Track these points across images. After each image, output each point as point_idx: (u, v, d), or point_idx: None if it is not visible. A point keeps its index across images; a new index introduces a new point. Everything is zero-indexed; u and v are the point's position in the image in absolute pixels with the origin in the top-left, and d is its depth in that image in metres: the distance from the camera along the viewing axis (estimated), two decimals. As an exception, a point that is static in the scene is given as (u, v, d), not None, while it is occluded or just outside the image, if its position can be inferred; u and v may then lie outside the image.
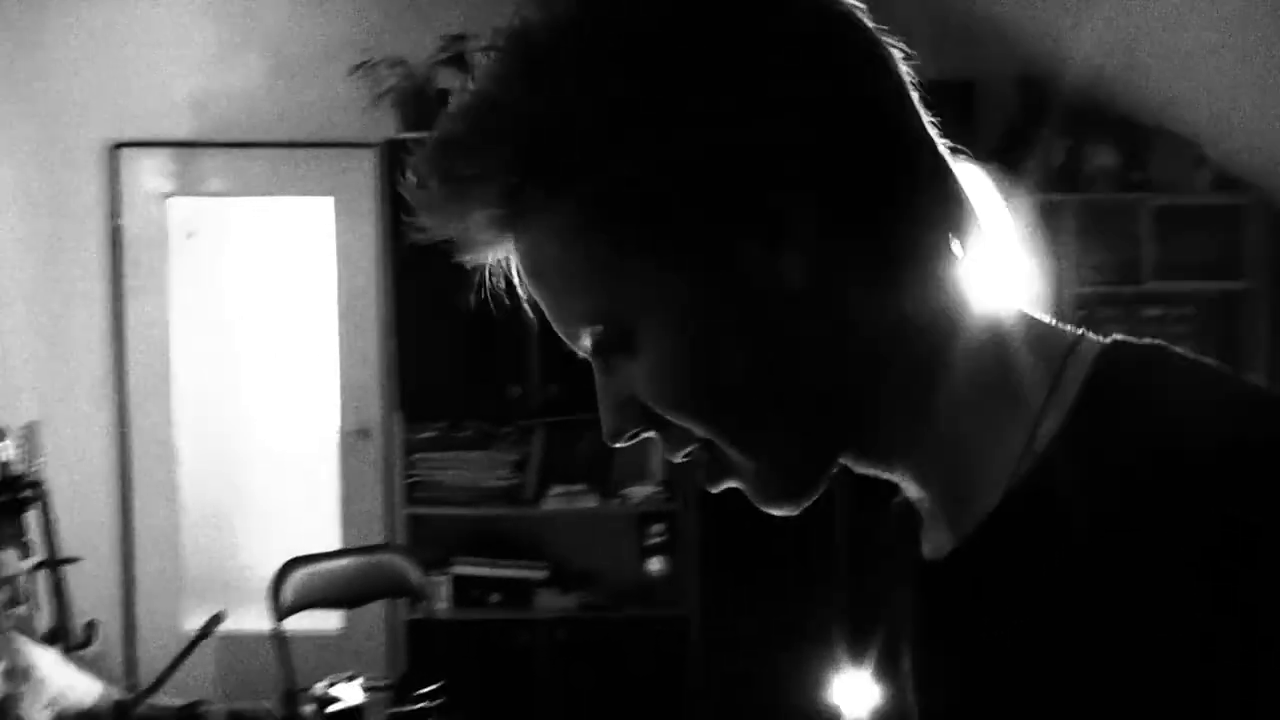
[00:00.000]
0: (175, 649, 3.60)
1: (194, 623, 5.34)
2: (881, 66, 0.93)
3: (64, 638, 4.52)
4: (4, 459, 3.53)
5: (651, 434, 0.97)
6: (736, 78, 0.88)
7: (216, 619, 3.37)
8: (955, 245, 0.94)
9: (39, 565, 3.71)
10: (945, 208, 0.94)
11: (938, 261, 0.93)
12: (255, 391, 6.00)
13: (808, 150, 0.88)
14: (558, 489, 5.43)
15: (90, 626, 4.64)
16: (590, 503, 5.43)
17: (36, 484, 3.45)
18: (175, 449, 5.76)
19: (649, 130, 0.88)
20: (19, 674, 3.82)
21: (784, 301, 0.90)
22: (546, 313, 0.96)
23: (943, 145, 0.95)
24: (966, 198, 0.95)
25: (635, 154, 0.88)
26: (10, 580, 3.68)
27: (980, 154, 1.19)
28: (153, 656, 5.48)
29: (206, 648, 5.38)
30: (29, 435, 4.50)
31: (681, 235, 0.89)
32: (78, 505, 5.30)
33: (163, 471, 5.74)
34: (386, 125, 5.22)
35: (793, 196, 0.88)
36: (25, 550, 3.49)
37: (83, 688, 4.08)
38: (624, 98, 0.88)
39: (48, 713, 3.85)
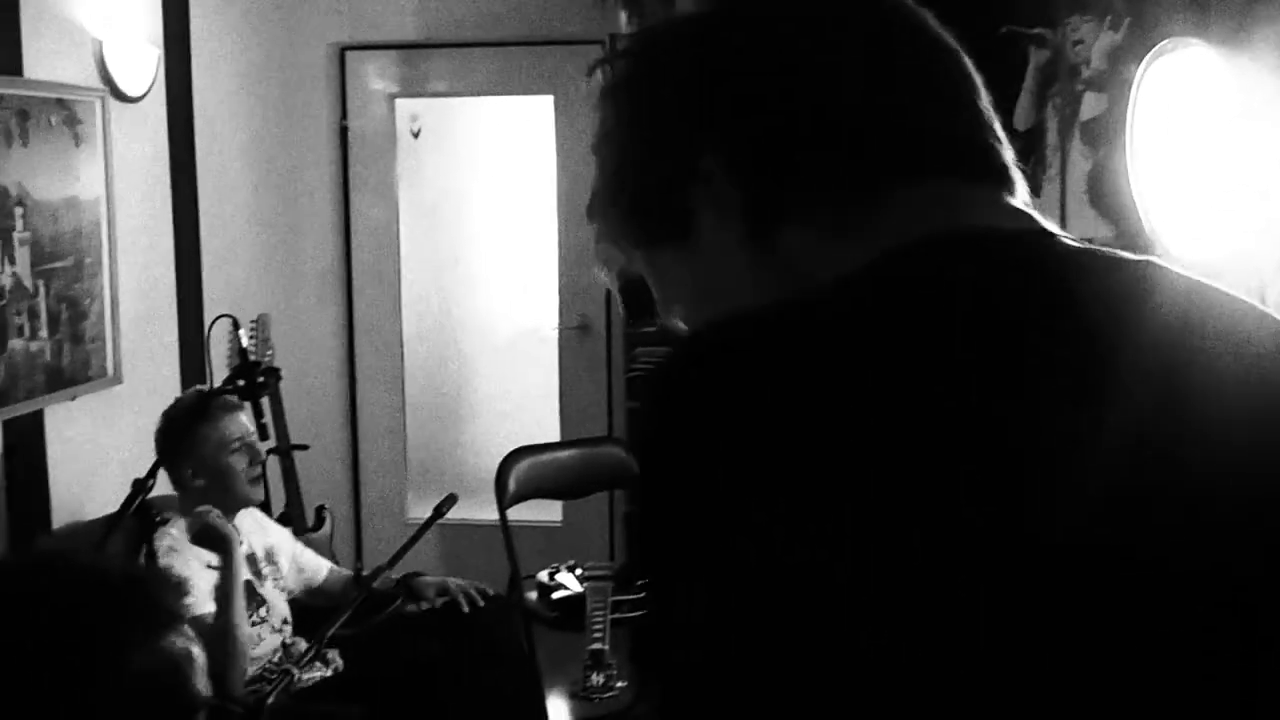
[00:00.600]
0: (401, 536, 3.69)
1: (419, 510, 5.51)
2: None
3: (296, 522, 4.67)
4: (241, 346, 3.65)
5: None
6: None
7: (450, 500, 3.45)
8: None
9: (270, 451, 3.84)
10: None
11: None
12: (478, 286, 6.10)
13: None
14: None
15: (321, 511, 4.80)
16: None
17: (271, 370, 3.57)
18: (400, 342, 5.90)
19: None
20: (260, 559, 3.98)
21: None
22: None
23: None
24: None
25: None
26: (250, 444, 3.83)
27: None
28: (379, 542, 5.66)
29: (431, 536, 5.55)
30: (260, 327, 4.65)
31: None
32: (306, 395, 5.47)
33: (388, 363, 5.89)
34: (611, 21, 5.22)
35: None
36: (263, 433, 3.62)
37: (316, 565, 4.24)
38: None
39: (286, 593, 4.01)
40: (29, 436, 4.01)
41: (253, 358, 3.60)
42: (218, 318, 4.61)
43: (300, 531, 4.51)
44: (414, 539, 3.14)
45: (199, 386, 3.88)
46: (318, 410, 5.70)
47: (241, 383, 3.57)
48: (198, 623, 3.65)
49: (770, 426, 0.89)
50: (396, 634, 3.59)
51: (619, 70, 1.11)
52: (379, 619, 2.57)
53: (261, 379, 3.55)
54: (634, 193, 1.08)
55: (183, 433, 3.54)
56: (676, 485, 0.91)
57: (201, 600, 3.72)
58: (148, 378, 4.62)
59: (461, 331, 6.12)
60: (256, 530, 4.00)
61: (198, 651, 1.35)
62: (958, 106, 1.04)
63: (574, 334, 5.81)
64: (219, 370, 4.60)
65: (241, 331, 4.04)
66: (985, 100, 1.06)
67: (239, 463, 3.77)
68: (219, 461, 3.78)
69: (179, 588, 1.35)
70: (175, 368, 4.87)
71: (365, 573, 2.67)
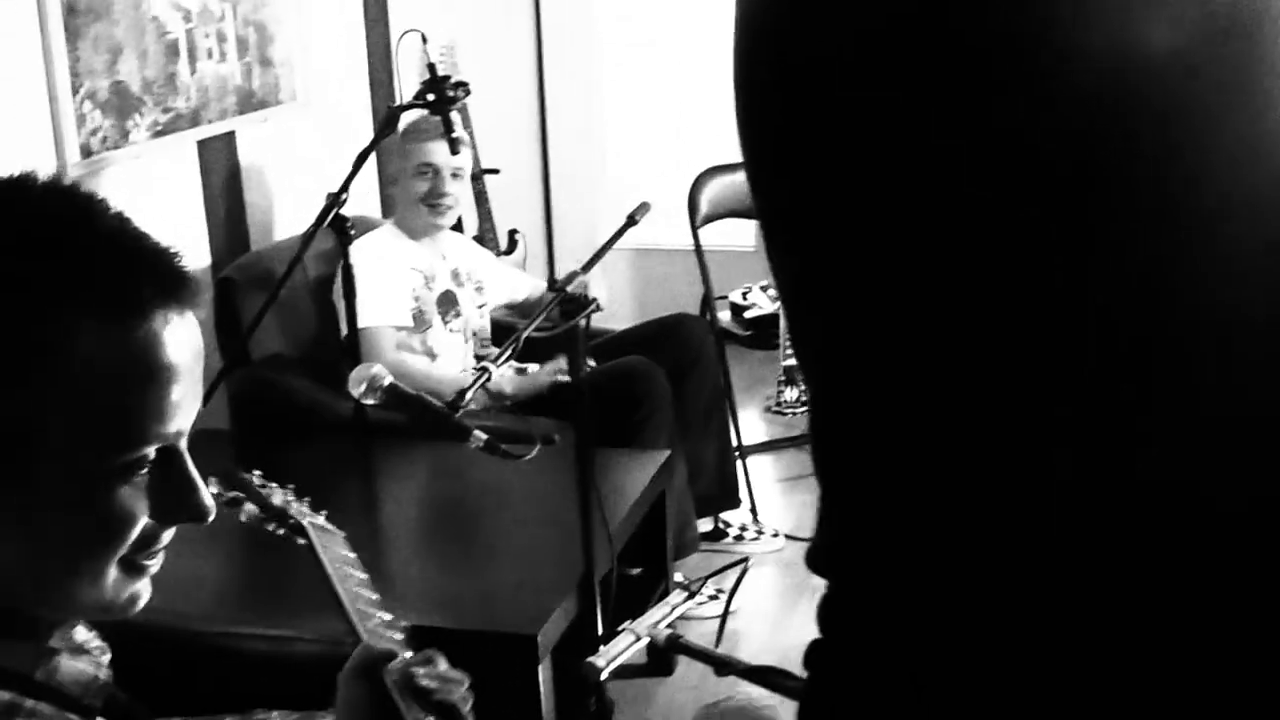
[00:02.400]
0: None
1: (610, 232, 5.49)
2: None
3: (488, 245, 4.70)
4: (429, 61, 3.60)
5: None
6: None
7: (644, 207, 3.41)
8: None
9: (454, 174, 3.84)
10: None
11: None
12: (677, 7, 5.94)
13: None
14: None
15: (513, 235, 4.81)
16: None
17: (460, 84, 3.51)
18: (593, 66, 5.81)
19: None
20: (462, 273, 4.02)
21: None
22: None
23: None
24: None
25: None
26: (436, 172, 3.84)
27: None
28: (572, 265, 5.65)
29: (623, 261, 5.55)
30: (450, 49, 4.60)
31: None
32: (496, 119, 5.44)
33: (579, 83, 5.81)
34: None
35: None
36: (452, 146, 3.59)
37: (514, 281, 4.29)
38: None
39: (484, 308, 4.06)
40: (223, 157, 4.04)
41: (442, 72, 3.55)
42: (405, 32, 4.57)
43: (494, 253, 4.54)
44: (608, 244, 3.11)
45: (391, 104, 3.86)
46: (508, 134, 5.66)
47: (431, 97, 3.54)
48: (390, 333, 3.78)
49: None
50: (594, 345, 3.60)
51: None
52: (575, 321, 2.54)
53: (451, 93, 3.51)
54: None
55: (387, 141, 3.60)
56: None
57: (399, 311, 3.81)
58: (336, 97, 4.63)
59: (658, 47, 5.98)
60: (458, 249, 4.09)
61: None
62: None
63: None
64: (407, 88, 4.59)
65: (429, 45, 3.99)
66: None
67: (420, 186, 3.84)
68: (405, 182, 3.86)
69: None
70: (364, 86, 4.86)
71: (559, 278, 2.64)
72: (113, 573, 1.19)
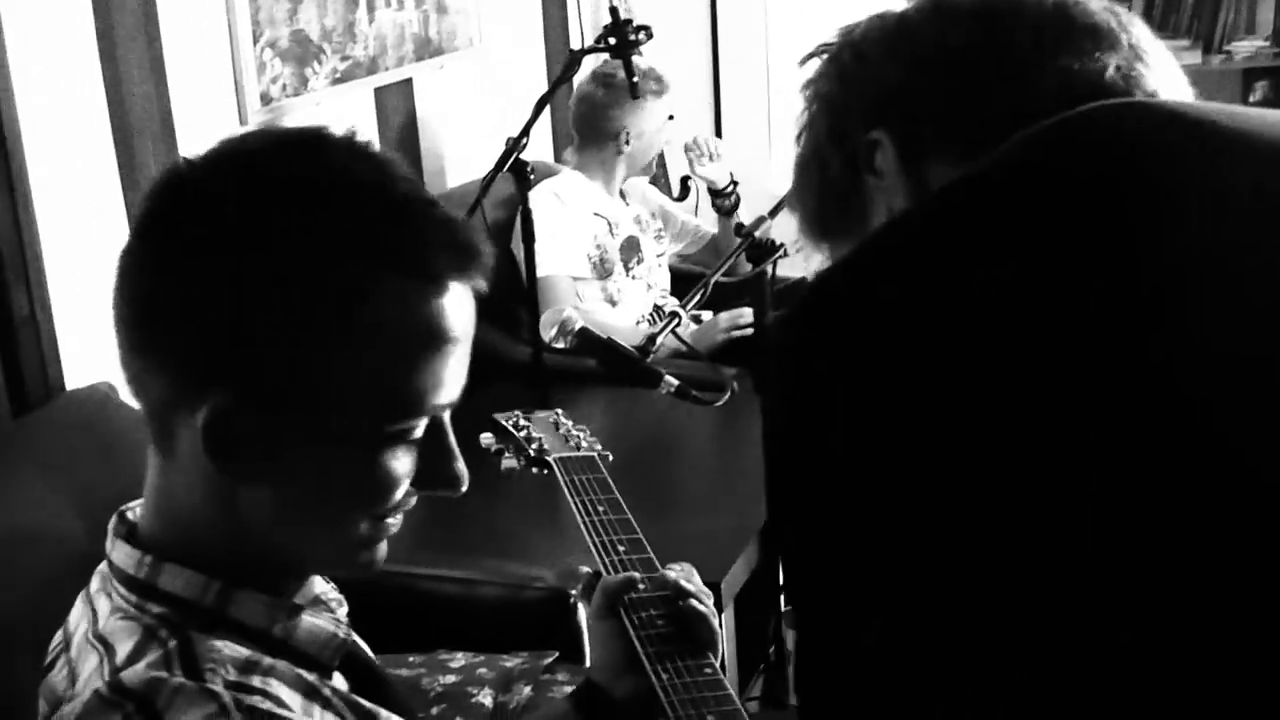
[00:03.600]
0: (766, 203, 3.65)
1: (782, 187, 5.43)
2: None
3: (662, 190, 4.68)
4: (611, 5, 3.57)
5: None
6: None
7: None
8: None
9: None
10: None
11: None
12: None
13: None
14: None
15: (685, 181, 4.76)
16: (1193, 59, 5.09)
17: (643, 27, 3.48)
18: (766, 13, 5.75)
19: None
20: (643, 220, 4.03)
21: None
22: None
23: None
24: None
25: None
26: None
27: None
28: (743, 211, 5.61)
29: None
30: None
31: None
32: (669, 65, 5.38)
33: (752, 30, 5.75)
34: None
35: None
36: (634, 90, 3.57)
37: (695, 226, 4.29)
38: None
39: (664, 255, 4.06)
40: (400, 104, 4.06)
41: (623, 15, 3.52)
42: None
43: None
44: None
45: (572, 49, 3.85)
46: (680, 79, 5.60)
47: (612, 40, 3.52)
48: (568, 283, 3.79)
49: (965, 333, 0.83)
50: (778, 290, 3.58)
51: (817, 67, 1.21)
52: (761, 267, 2.51)
53: (634, 37, 3.49)
54: (819, 186, 1.17)
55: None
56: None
57: (578, 260, 3.82)
58: (511, 42, 4.63)
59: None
60: (638, 194, 4.10)
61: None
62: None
63: None
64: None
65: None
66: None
67: (658, 141, 3.91)
68: (656, 140, 3.91)
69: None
70: (539, 31, 4.85)
71: (745, 223, 2.61)
72: (360, 533, 1.20)
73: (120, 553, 1.21)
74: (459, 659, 2.51)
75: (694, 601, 1.61)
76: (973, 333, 0.83)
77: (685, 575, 1.66)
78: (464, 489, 1.23)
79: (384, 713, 1.22)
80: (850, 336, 0.88)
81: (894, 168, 1.12)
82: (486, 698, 2.39)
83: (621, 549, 1.72)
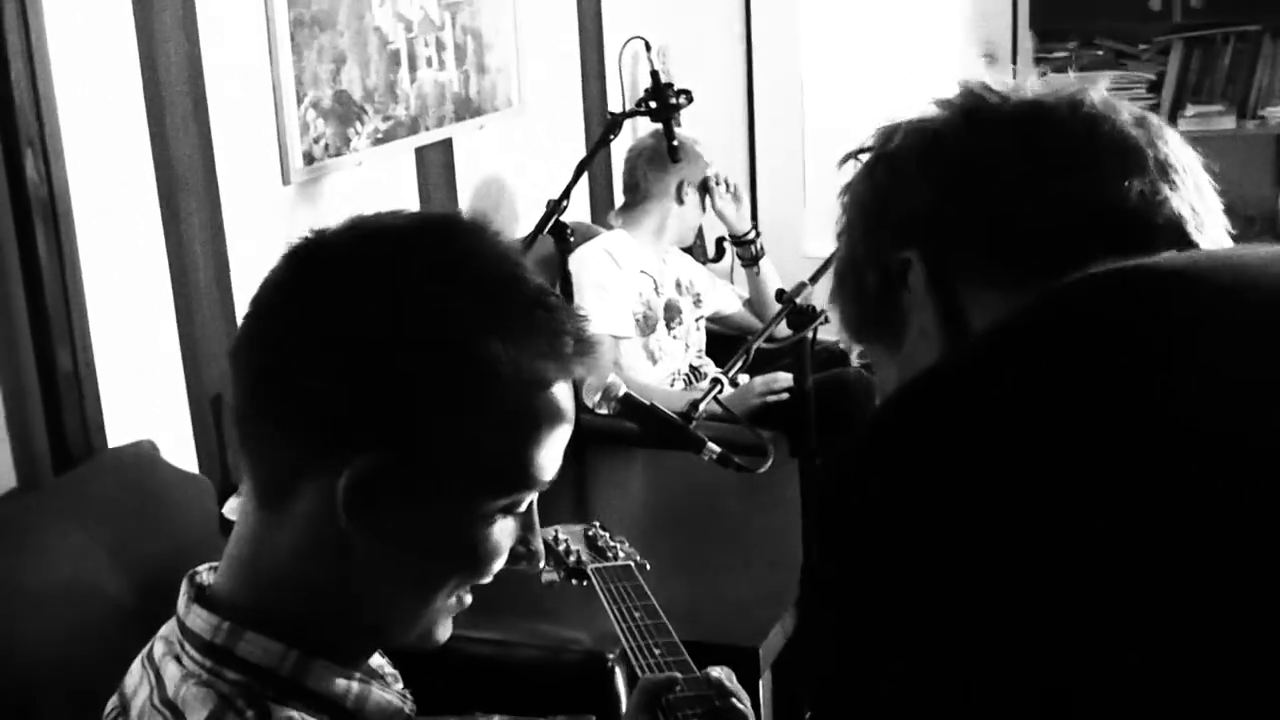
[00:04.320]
0: (799, 268, 3.66)
1: (815, 245, 5.45)
2: None
3: (695, 253, 4.69)
4: (652, 69, 3.60)
5: None
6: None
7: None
8: None
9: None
10: None
11: None
12: (880, 19, 5.88)
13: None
14: (1192, 110, 5.11)
15: (720, 243, 4.77)
16: (1228, 124, 5.09)
17: (683, 91, 3.51)
18: (800, 77, 5.77)
19: None
20: (683, 283, 4.04)
21: None
22: None
23: None
24: None
25: None
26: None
27: None
28: (778, 273, 5.62)
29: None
30: (663, 53, 4.60)
31: None
32: (704, 128, 5.42)
33: (788, 98, 5.77)
34: None
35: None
36: (673, 154, 3.60)
37: (728, 295, 4.29)
38: None
39: (700, 320, 4.06)
40: (440, 163, 4.08)
41: (663, 79, 3.55)
42: (629, 40, 4.59)
43: (701, 262, 4.54)
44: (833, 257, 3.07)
45: (612, 112, 3.87)
46: (715, 142, 5.64)
47: (654, 104, 3.54)
48: (611, 343, 3.81)
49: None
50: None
51: (855, 173, 1.23)
52: (803, 334, 2.52)
53: (674, 100, 3.51)
54: (855, 293, 1.21)
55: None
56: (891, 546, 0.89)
57: (623, 320, 3.83)
58: (551, 103, 4.66)
59: (862, 65, 5.91)
60: (677, 258, 4.13)
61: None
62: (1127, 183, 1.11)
63: (982, 62, 5.56)
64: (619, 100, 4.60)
65: (652, 53, 3.99)
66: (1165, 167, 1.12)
67: (699, 202, 3.95)
68: (686, 199, 3.95)
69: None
70: (578, 92, 4.89)
71: (786, 289, 2.61)
72: (442, 604, 1.23)
73: (195, 617, 1.20)
74: (497, 720, 2.50)
75: (734, 700, 1.65)
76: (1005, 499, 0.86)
77: (726, 676, 1.70)
78: (540, 566, 1.28)
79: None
80: (893, 493, 0.91)
81: (924, 286, 1.15)
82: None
83: (658, 652, 1.76)
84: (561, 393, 1.21)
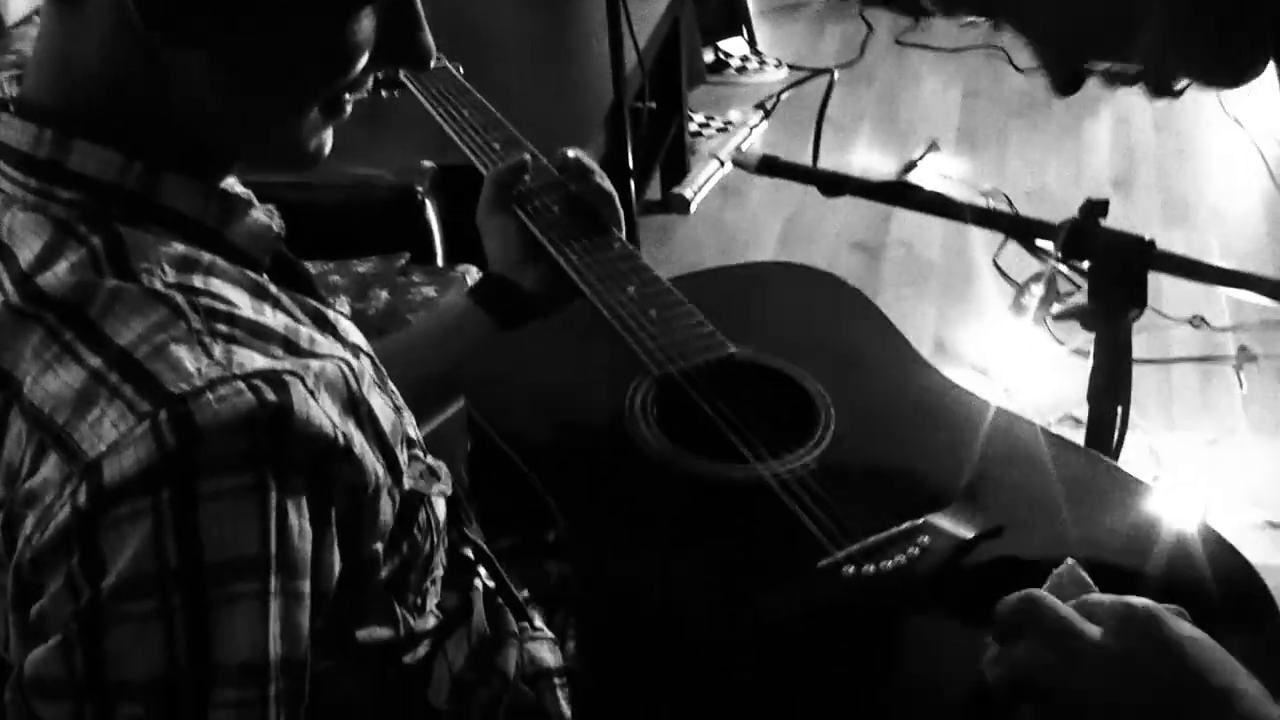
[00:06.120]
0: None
1: None
2: None
3: None
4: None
5: None
6: None
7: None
8: None
9: None
10: None
11: None
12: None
13: None
14: None
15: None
16: None
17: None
18: None
19: None
20: None
21: None
22: None
23: None
24: None
25: None
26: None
27: None
28: None
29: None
30: None
31: None
32: None
33: None
34: None
35: None
36: None
37: None
38: None
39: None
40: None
41: None
42: None
43: None
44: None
45: None
46: None
47: None
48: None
49: None
50: None
51: None
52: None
53: None
54: None
55: None
56: None
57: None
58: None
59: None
60: None
61: None
62: None
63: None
64: None
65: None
66: None
67: None
68: None
69: None
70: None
71: None
72: (314, 114, 1.01)
73: (7, 128, 0.98)
74: (309, 267, 2.38)
75: (596, 179, 1.56)
76: None
77: (580, 155, 1.60)
78: (429, 66, 1.05)
79: (331, 312, 1.07)
80: None
81: None
82: (344, 305, 2.28)
83: (497, 146, 1.65)
84: None
